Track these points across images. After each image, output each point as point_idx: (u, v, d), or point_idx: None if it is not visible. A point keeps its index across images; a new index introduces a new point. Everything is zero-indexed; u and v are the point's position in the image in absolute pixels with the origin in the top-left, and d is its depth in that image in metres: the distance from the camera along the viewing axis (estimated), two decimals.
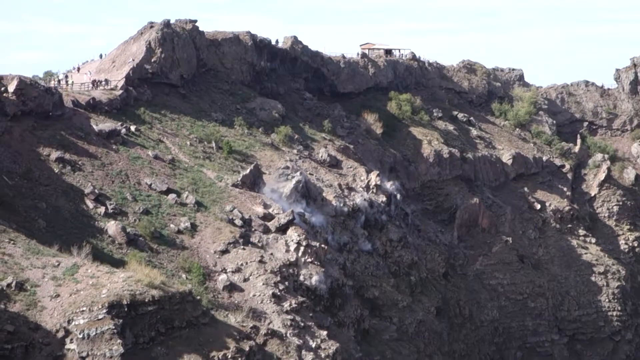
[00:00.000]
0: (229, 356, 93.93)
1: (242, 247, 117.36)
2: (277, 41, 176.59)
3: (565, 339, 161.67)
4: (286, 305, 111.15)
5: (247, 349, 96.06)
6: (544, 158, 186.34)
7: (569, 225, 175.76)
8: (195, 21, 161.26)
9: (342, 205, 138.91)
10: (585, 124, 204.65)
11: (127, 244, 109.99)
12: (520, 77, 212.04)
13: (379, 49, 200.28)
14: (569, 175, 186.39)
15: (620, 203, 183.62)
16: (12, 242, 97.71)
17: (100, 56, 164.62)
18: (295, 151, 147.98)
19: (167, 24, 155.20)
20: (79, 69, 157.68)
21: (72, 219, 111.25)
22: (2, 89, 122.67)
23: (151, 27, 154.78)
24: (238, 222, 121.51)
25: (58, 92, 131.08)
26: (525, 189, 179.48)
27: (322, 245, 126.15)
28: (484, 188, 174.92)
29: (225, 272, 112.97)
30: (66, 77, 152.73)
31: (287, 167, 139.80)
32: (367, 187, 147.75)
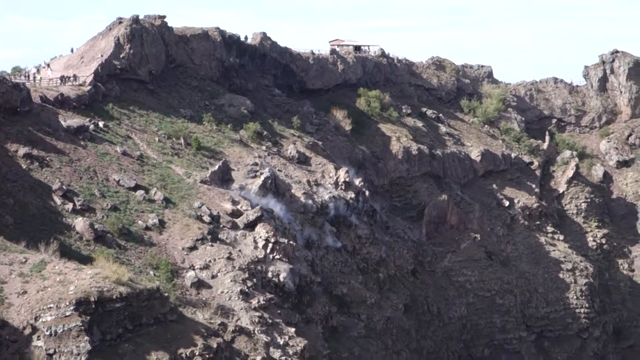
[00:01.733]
0: (197, 353, 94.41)
1: (210, 243, 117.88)
2: (246, 37, 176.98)
3: (533, 336, 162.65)
4: (254, 302, 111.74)
5: (214, 346, 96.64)
6: (513, 155, 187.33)
7: (537, 222, 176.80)
8: (164, 17, 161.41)
9: (310, 201, 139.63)
10: (554, 120, 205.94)
11: (94, 240, 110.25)
12: (489, 74, 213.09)
13: (348, 46, 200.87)
14: (538, 172, 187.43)
15: (589, 200, 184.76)
16: None
17: (72, 50, 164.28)
18: (264, 147, 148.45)
19: (135, 19, 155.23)
20: (48, 65, 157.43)
21: (39, 216, 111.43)
22: None
23: (120, 22, 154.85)
24: (206, 218, 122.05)
25: (26, 88, 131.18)
26: (494, 185, 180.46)
27: (291, 242, 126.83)
28: (453, 185, 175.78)
29: (193, 269, 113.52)
30: (38, 71, 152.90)
31: (256, 164, 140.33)
32: (336, 184, 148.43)
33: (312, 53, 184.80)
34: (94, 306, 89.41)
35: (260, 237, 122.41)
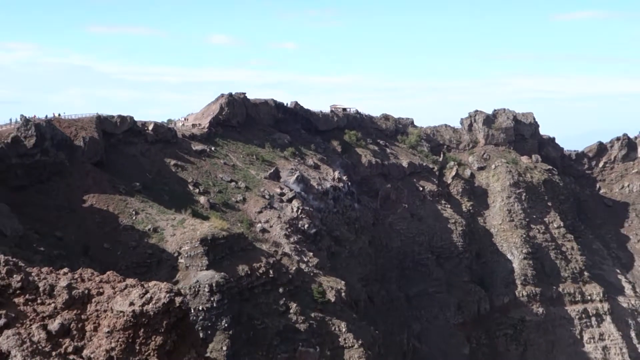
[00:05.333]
0: (262, 266, 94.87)
1: (269, 209, 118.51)
2: (287, 103, 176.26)
3: (435, 257, 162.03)
4: (292, 239, 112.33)
5: (271, 262, 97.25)
6: (424, 164, 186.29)
7: (437, 198, 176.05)
8: (245, 93, 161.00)
9: (320, 187, 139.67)
10: (445, 146, 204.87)
11: (210, 208, 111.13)
12: (412, 122, 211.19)
13: (339, 107, 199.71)
14: (437, 173, 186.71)
15: (463, 187, 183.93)
16: (151, 207, 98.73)
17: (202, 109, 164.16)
18: (296, 160, 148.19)
19: (230, 94, 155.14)
20: (186, 118, 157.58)
21: (181, 195, 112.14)
22: (146, 128, 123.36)
23: (222, 96, 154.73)
24: (267, 196, 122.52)
25: (174, 130, 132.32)
26: (414, 179, 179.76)
27: (310, 209, 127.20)
28: (394, 179, 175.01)
29: (260, 223, 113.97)
30: (186, 119, 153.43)
31: (292, 169, 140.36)
32: (334, 179, 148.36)
33: (321, 111, 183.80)
34: (209, 241, 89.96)
35: (295, 206, 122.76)
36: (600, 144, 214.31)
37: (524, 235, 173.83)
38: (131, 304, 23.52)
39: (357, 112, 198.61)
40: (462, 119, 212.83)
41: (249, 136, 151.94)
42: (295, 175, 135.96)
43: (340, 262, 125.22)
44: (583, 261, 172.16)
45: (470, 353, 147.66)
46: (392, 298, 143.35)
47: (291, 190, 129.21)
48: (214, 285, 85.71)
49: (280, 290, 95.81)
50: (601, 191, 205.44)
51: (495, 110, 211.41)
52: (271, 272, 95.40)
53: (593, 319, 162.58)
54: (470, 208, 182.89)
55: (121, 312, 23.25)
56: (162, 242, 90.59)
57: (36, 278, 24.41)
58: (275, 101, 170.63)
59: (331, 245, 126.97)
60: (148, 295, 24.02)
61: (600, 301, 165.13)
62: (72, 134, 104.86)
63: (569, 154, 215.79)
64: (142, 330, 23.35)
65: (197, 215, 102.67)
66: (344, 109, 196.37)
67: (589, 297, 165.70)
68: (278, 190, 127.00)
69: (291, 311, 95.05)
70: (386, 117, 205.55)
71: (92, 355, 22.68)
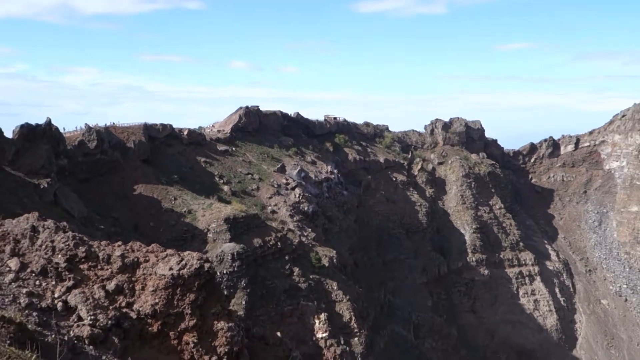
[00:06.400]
0: (272, 238, 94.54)
1: (277, 195, 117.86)
2: (291, 114, 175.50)
3: (405, 231, 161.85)
4: (295, 219, 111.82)
5: (279, 235, 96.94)
6: (396, 160, 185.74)
7: (407, 186, 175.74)
8: (258, 106, 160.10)
9: (317, 178, 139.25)
10: (413, 146, 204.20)
11: (231, 194, 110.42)
12: (387, 128, 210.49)
13: (331, 117, 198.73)
14: (406, 167, 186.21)
15: (426, 178, 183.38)
16: (186, 194, 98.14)
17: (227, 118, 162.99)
18: (298, 158, 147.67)
19: (247, 107, 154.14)
20: (213, 125, 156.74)
21: (209, 185, 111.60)
22: (182, 133, 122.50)
23: (240, 108, 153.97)
24: (275, 185, 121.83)
25: (203, 134, 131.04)
26: (389, 172, 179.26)
27: (309, 195, 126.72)
28: (373, 172, 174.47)
29: (270, 206, 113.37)
30: (213, 126, 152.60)
31: (295, 164, 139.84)
32: (327, 172, 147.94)
33: (317, 120, 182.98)
34: (232, 220, 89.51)
35: (297, 193, 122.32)
36: (532, 144, 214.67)
37: (473, 215, 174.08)
38: (170, 269, 23.53)
39: (345, 120, 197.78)
40: (425, 125, 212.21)
41: (261, 139, 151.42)
42: (297, 169, 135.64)
43: (332, 236, 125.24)
44: (519, 234, 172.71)
45: (433, 305, 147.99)
46: (372, 263, 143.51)
47: (294, 180, 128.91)
48: (235, 254, 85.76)
49: (286, 257, 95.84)
50: (532, 180, 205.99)
51: (451, 118, 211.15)
52: (279, 243, 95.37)
53: (526, 279, 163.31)
54: (432, 194, 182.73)
55: (163, 275, 23.28)
56: (194, 221, 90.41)
57: (97, 249, 24.38)
58: (281, 112, 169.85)
59: (325, 222, 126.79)
60: (183, 262, 24.02)
61: (532, 265, 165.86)
62: (125, 138, 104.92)
63: (508, 152, 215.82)
64: (179, 289, 23.41)
65: (222, 200, 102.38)
66: (335, 118, 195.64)
67: (523, 262, 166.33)
68: (284, 181, 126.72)
69: (294, 274, 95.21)
70: (367, 124, 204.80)
71: (140, 309, 22.72)
